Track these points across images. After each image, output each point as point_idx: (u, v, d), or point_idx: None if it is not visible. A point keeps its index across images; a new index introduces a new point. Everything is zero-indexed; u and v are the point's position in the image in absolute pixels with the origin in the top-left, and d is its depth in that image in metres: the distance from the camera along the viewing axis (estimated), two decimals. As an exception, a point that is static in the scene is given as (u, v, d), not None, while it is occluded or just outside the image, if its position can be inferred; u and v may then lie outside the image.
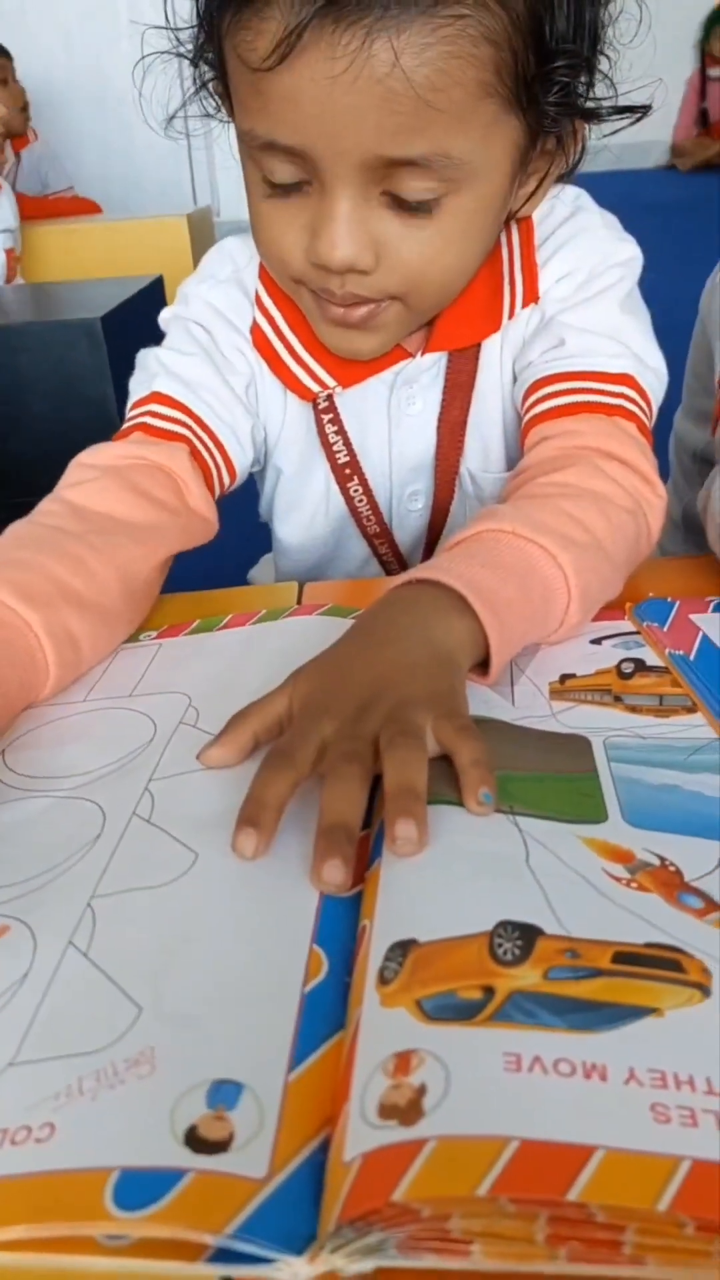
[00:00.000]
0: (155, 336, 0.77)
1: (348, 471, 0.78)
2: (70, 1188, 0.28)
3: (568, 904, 0.36)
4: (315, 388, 0.74)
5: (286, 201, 0.60)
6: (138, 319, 1.74)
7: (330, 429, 0.76)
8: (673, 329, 0.87)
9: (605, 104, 0.60)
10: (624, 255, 0.70)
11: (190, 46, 0.62)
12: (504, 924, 0.35)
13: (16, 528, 0.62)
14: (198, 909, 0.39)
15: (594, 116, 0.61)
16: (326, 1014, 0.34)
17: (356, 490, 0.78)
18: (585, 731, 0.49)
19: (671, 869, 0.39)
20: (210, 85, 0.64)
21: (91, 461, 0.68)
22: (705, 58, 6.72)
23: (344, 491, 0.79)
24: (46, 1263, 0.28)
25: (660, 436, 0.81)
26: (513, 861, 0.39)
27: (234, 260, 0.76)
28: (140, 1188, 0.28)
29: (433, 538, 0.81)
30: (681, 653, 0.55)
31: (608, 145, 0.65)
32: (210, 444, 0.72)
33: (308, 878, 0.39)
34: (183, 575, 0.74)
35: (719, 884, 0.38)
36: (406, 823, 0.39)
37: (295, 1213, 0.27)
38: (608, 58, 0.60)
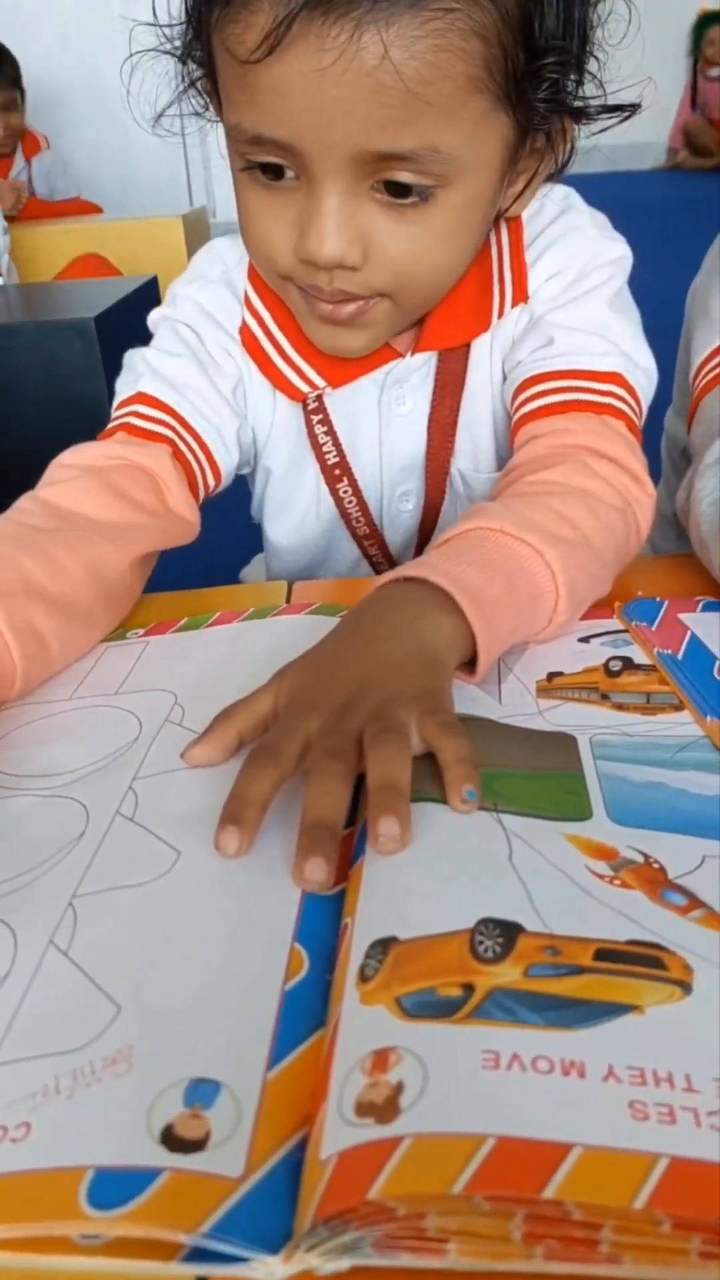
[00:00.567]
0: (148, 337, 0.77)
1: (337, 472, 0.77)
2: (45, 1187, 0.28)
3: (550, 901, 0.36)
4: (305, 388, 0.74)
5: (274, 197, 0.59)
6: (131, 320, 1.74)
7: (320, 429, 0.76)
8: (668, 329, 0.87)
9: (594, 102, 0.60)
10: (613, 254, 0.70)
11: (179, 44, 0.62)
12: (485, 921, 0.35)
13: None
14: (179, 907, 0.39)
15: (583, 115, 0.61)
16: (306, 1012, 0.34)
17: (346, 491, 0.78)
18: (572, 729, 0.49)
19: (655, 866, 0.39)
20: (198, 83, 0.64)
21: (71, 461, 0.67)
22: (699, 60, 6.75)
23: (334, 492, 0.78)
24: (21, 1263, 0.28)
25: (654, 436, 0.81)
26: (496, 859, 0.38)
27: (223, 260, 0.75)
28: (115, 1187, 0.28)
29: (423, 538, 0.80)
30: (669, 652, 0.55)
31: (602, 146, 0.65)
32: (194, 445, 0.72)
33: (290, 875, 0.39)
34: (175, 575, 0.74)
35: (703, 881, 0.38)
36: (389, 820, 0.39)
37: (271, 1212, 0.27)
38: (597, 58, 0.60)
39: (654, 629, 0.57)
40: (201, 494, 0.74)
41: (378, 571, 0.83)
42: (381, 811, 0.39)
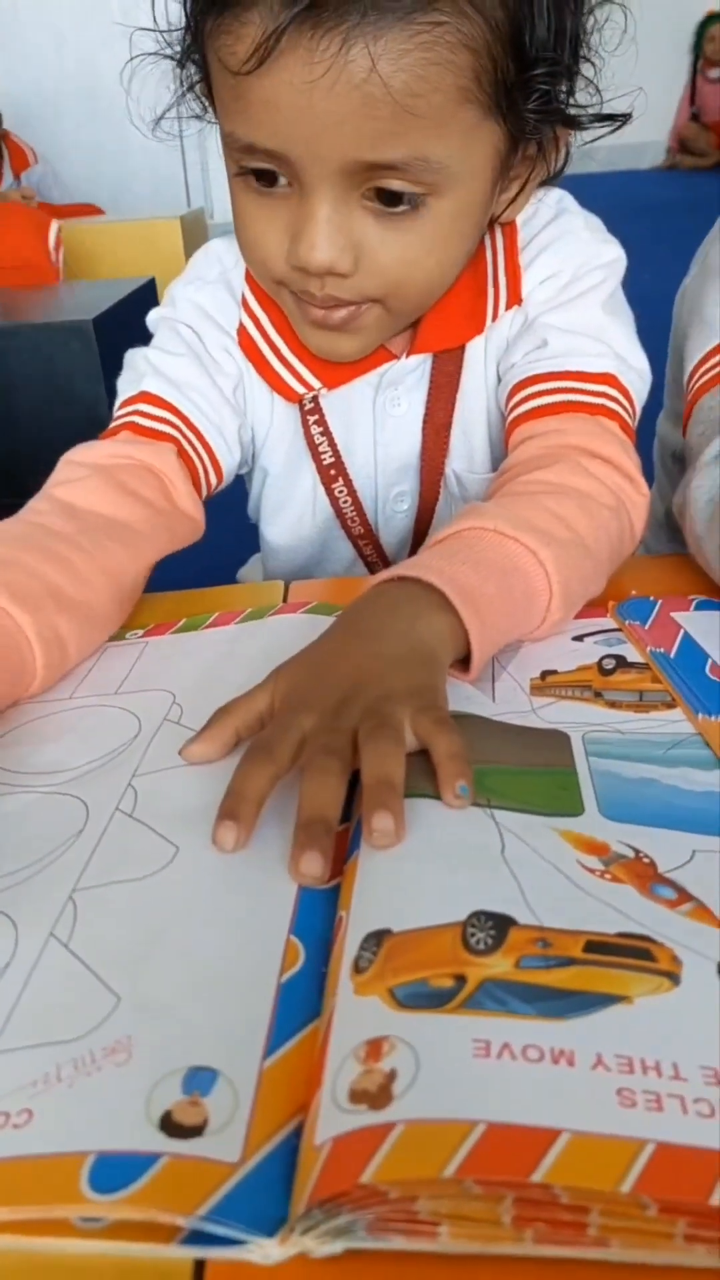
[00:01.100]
0: (147, 338, 0.77)
1: (333, 473, 0.78)
2: (47, 1171, 0.29)
3: (541, 895, 0.37)
4: (300, 389, 0.74)
5: (268, 204, 0.60)
6: (129, 321, 1.75)
7: (316, 430, 0.77)
8: (663, 329, 0.88)
9: (588, 111, 0.61)
10: (607, 257, 0.71)
11: (178, 48, 0.63)
12: (477, 914, 0.35)
13: (5, 525, 0.62)
14: (177, 901, 0.39)
15: (575, 123, 0.61)
16: (302, 1003, 0.34)
17: (341, 491, 0.79)
18: (565, 726, 0.49)
19: (646, 861, 0.39)
20: (196, 87, 0.65)
21: (81, 459, 0.68)
22: (700, 59, 6.76)
23: (329, 493, 0.79)
24: (22, 1245, 0.28)
25: (645, 439, 0.82)
26: (488, 853, 0.39)
27: (221, 262, 0.76)
28: (115, 1171, 0.28)
29: (418, 538, 0.81)
30: (662, 650, 0.55)
31: (600, 146, 0.65)
32: (197, 444, 0.73)
33: (286, 870, 0.40)
34: (172, 575, 0.74)
35: (693, 876, 0.39)
36: (383, 815, 0.40)
37: (267, 1196, 0.28)
38: (592, 64, 0.61)
39: (647, 628, 0.58)
40: (204, 492, 0.75)
41: (373, 571, 0.84)
42: (376, 807, 0.40)
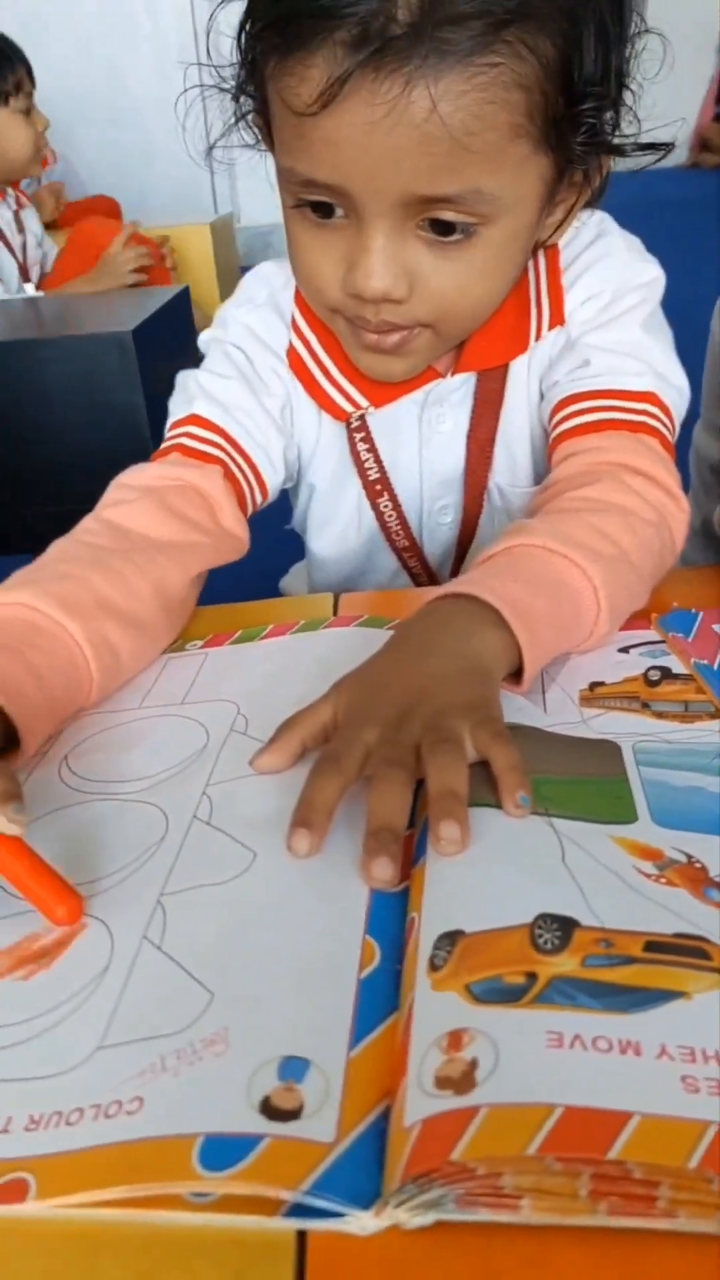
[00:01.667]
0: (182, 347, 0.80)
1: (378, 488, 0.81)
2: (161, 1153, 0.32)
3: (602, 898, 0.39)
4: (348, 408, 0.77)
5: (324, 234, 0.63)
6: (166, 331, 1.78)
7: (362, 447, 0.79)
8: (688, 327, 0.89)
9: (631, 140, 0.63)
10: (646, 277, 0.73)
11: (232, 82, 0.65)
12: (543, 916, 0.38)
13: (59, 544, 0.65)
14: (259, 903, 0.42)
15: (620, 152, 0.64)
16: (380, 998, 0.37)
17: (386, 506, 0.81)
18: (614, 737, 0.52)
19: (698, 865, 0.42)
20: (249, 118, 0.67)
21: (131, 482, 0.71)
22: (726, 59, 6.71)
23: (374, 507, 0.82)
24: (142, 1218, 0.31)
25: (682, 448, 0.84)
26: (549, 859, 0.42)
27: (270, 284, 0.79)
28: (223, 1151, 0.31)
29: (461, 550, 0.84)
30: (705, 662, 0.58)
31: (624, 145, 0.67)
32: (244, 465, 0.76)
33: (358, 874, 0.43)
34: (214, 584, 0.77)
35: (742, 879, 0.41)
36: (450, 824, 0.42)
37: (361, 1173, 0.31)
38: (632, 91, 0.63)
39: (690, 640, 0.60)
40: (250, 510, 0.77)
41: (416, 582, 0.86)
42: (442, 816, 0.43)
